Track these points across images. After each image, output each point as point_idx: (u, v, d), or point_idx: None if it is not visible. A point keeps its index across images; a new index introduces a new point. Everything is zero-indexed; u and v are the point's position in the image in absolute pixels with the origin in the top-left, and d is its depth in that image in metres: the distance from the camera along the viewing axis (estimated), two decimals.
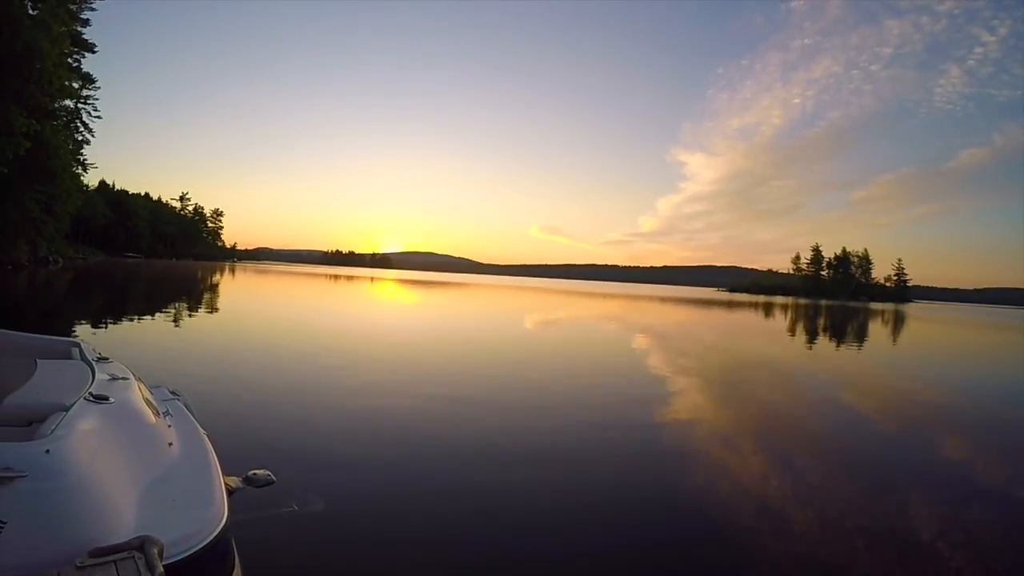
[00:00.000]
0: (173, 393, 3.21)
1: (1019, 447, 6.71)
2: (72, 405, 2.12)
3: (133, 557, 1.58)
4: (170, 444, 2.48)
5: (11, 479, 1.59)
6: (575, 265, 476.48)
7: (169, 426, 2.63)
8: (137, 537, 1.65)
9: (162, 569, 1.56)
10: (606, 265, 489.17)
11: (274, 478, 3.58)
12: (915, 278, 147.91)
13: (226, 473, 2.56)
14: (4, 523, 1.54)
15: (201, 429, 2.82)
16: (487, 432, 5.61)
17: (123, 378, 2.73)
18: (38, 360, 2.93)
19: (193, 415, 3.00)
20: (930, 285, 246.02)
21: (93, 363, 2.95)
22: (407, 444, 4.97)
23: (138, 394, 2.60)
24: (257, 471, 3.57)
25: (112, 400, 2.31)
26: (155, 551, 1.60)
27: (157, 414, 2.59)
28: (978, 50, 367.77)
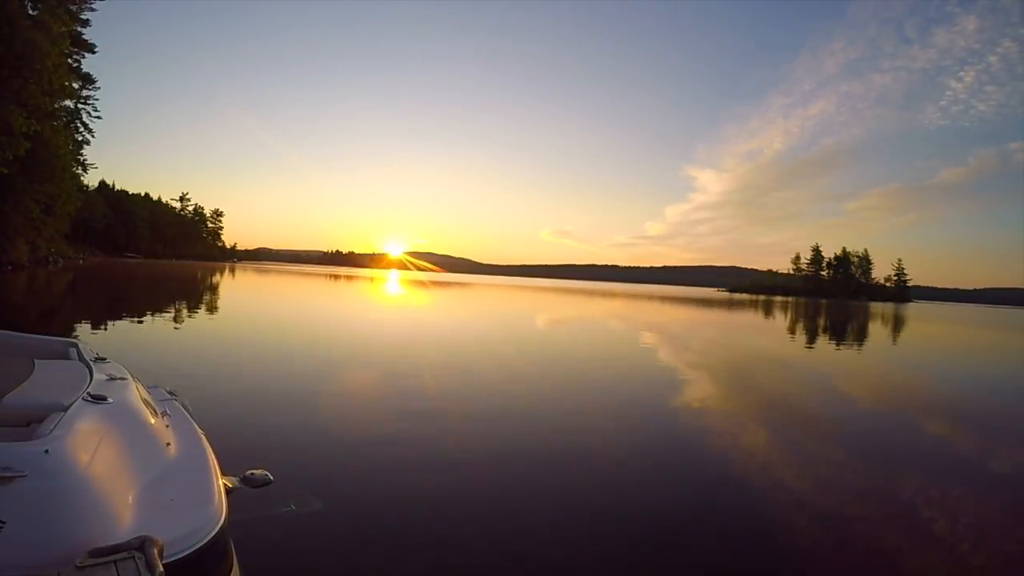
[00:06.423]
0: (171, 393, 3.21)
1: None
2: (71, 405, 2.11)
3: (133, 557, 1.58)
4: (168, 444, 2.48)
5: (11, 479, 1.59)
6: (576, 265, 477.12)
7: (167, 426, 2.63)
8: (137, 537, 1.64)
9: (162, 569, 1.56)
10: (607, 265, 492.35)
11: (272, 478, 3.57)
12: (913, 278, 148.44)
13: (224, 473, 2.56)
14: (3, 523, 1.54)
15: (199, 429, 2.82)
16: (489, 432, 5.57)
17: (121, 378, 2.72)
18: (35, 360, 2.91)
19: (191, 415, 3.00)
20: (929, 285, 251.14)
21: (91, 363, 2.94)
22: (406, 445, 4.94)
23: (136, 394, 2.59)
24: (255, 471, 3.55)
25: (110, 400, 2.30)
26: (155, 551, 1.60)
27: (155, 414, 2.59)
28: (948, 93, 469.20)
